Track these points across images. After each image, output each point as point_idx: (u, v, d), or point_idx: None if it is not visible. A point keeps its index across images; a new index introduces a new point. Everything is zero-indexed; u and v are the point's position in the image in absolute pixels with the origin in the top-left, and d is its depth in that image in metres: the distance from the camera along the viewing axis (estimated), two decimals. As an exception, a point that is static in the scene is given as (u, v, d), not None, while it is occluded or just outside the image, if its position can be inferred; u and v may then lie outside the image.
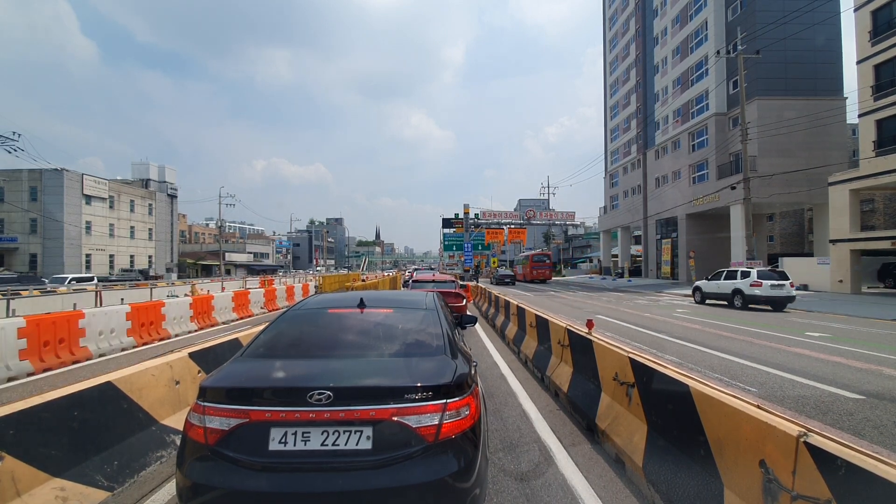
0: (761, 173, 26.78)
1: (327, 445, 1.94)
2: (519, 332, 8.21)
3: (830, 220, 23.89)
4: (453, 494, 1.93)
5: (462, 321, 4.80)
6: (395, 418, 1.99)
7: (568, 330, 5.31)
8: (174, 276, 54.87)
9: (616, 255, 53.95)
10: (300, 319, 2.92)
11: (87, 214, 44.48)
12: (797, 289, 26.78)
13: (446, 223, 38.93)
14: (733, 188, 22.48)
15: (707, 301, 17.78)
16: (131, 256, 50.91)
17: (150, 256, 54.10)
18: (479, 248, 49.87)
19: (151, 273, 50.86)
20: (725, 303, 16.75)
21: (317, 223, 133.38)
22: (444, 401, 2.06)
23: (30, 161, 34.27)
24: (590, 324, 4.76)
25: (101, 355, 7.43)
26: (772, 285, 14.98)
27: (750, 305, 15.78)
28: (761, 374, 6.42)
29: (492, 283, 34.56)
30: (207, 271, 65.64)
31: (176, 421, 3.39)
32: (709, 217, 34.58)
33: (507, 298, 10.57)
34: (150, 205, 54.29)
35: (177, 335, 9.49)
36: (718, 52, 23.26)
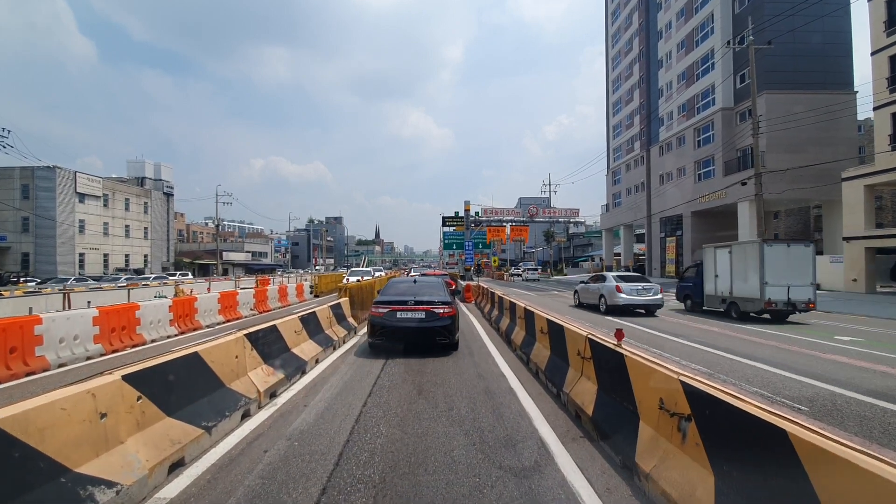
0: (770, 169, 25.99)
1: (412, 316, 7.31)
2: (527, 338, 7.44)
3: (844, 216, 23.10)
4: (448, 330, 7.33)
5: (454, 291, 12.16)
6: (431, 309, 7.33)
7: (590, 340, 4.55)
8: (178, 274, 54.08)
9: (619, 254, 53.19)
10: (394, 286, 8.23)
11: (80, 213, 43.68)
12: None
13: (446, 221, 38.04)
14: (744, 184, 21.68)
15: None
16: (126, 256, 50.12)
17: (145, 255, 53.32)
18: (480, 246, 49.02)
19: (147, 273, 50.08)
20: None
21: (315, 222, 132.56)
22: (444, 305, 7.44)
23: (20, 158, 33.40)
24: (619, 334, 4.00)
25: (60, 365, 6.66)
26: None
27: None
28: (806, 387, 5.65)
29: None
30: (205, 271, 64.76)
31: (99, 467, 2.61)
32: (714, 215, 33.83)
33: (511, 300, 9.81)
34: (146, 203, 53.49)
35: (153, 341, 8.72)
36: (729, 42, 22.39)
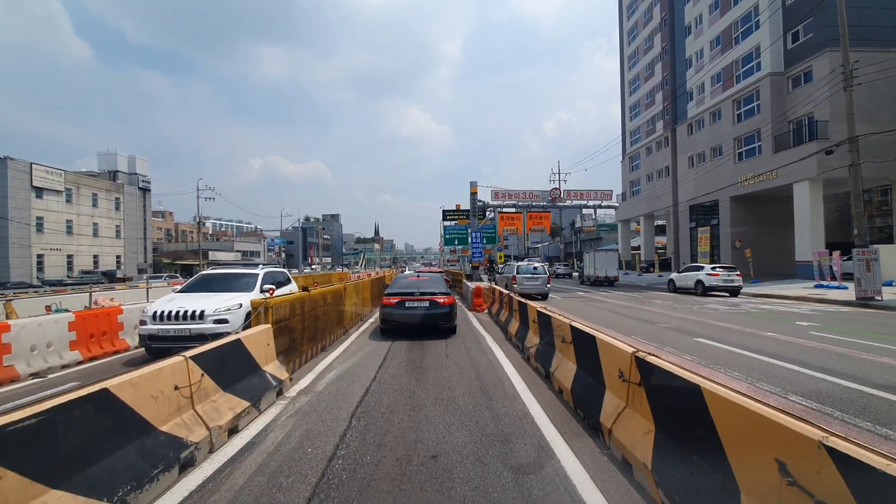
0: (834, 141, 21.28)
1: (419, 305, 9.03)
2: (590, 385, 2.84)
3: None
4: (447, 316, 9.01)
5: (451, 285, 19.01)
6: (434, 298, 9.09)
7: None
8: (146, 277, 49.53)
9: (637, 248, 48.61)
10: (399, 280, 10.37)
11: (38, 209, 39.08)
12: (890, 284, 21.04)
13: (447, 215, 33.40)
14: (829, 153, 17.08)
15: None
16: (95, 257, 45.52)
17: (118, 256, 48.75)
18: (485, 242, 44.44)
19: (119, 275, 45.50)
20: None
21: (312, 220, 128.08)
22: (444, 296, 9.23)
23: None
24: None
25: None
26: None
27: None
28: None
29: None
30: (188, 271, 60.31)
31: None
32: (760, 199, 29.16)
33: (553, 314, 5.23)
34: (118, 199, 48.85)
35: None
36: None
